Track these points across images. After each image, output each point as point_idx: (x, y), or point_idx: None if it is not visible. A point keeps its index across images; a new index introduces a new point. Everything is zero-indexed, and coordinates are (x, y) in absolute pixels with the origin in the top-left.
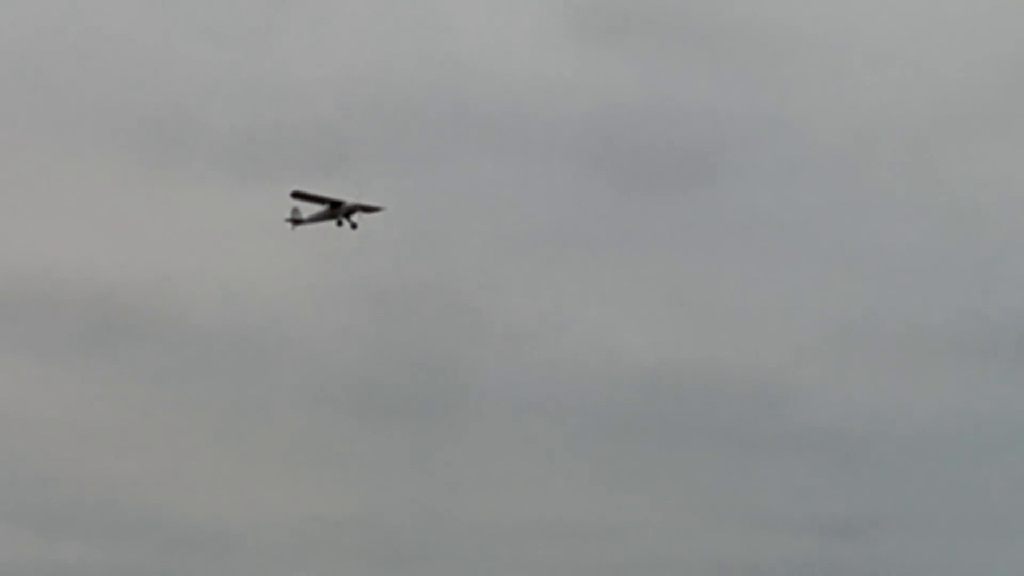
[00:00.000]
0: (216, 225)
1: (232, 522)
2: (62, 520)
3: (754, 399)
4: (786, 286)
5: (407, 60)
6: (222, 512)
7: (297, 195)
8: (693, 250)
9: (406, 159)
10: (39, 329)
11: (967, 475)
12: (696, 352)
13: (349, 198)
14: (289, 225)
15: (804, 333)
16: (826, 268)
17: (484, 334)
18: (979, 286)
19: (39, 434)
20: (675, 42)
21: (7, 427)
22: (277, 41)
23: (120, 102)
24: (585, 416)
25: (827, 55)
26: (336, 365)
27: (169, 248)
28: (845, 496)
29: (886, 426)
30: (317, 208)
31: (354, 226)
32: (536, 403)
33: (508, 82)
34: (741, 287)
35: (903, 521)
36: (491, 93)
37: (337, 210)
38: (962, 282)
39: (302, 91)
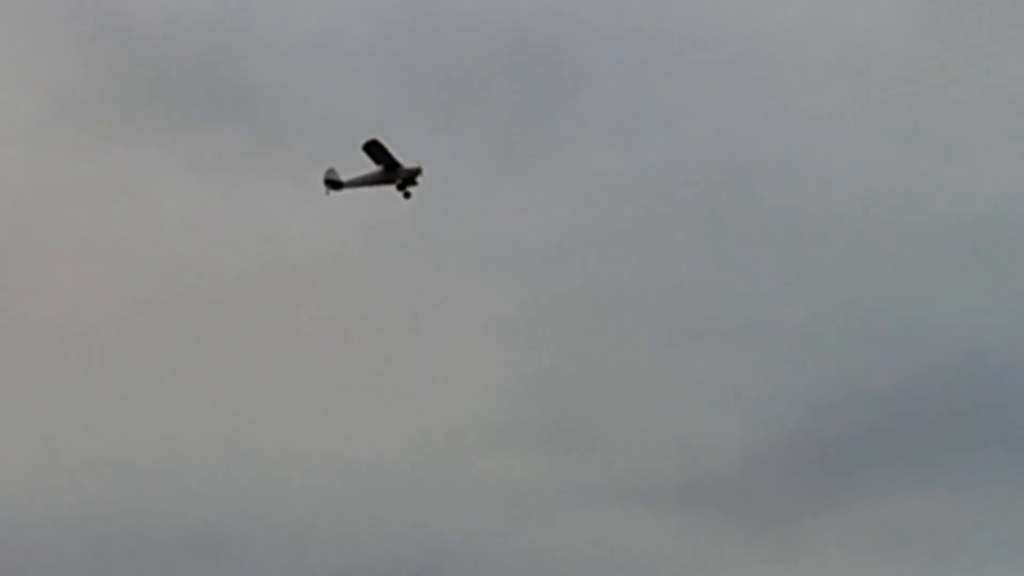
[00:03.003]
0: None
1: None
2: None
3: None
4: None
5: None
6: None
7: (372, 146)
8: None
9: None
10: None
11: None
12: None
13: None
14: (324, 189)
15: None
16: None
17: None
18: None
19: None
20: None
21: None
22: None
23: None
24: None
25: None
26: None
27: None
28: None
29: None
30: (369, 169)
31: (407, 195)
32: None
33: None
34: None
35: None
36: None
37: (394, 172)
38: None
39: None
